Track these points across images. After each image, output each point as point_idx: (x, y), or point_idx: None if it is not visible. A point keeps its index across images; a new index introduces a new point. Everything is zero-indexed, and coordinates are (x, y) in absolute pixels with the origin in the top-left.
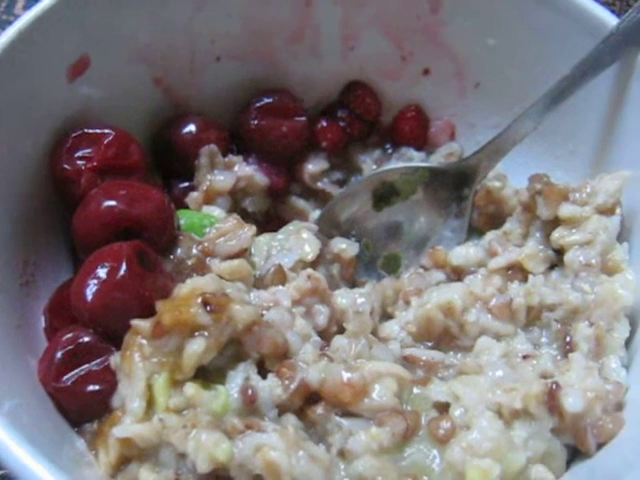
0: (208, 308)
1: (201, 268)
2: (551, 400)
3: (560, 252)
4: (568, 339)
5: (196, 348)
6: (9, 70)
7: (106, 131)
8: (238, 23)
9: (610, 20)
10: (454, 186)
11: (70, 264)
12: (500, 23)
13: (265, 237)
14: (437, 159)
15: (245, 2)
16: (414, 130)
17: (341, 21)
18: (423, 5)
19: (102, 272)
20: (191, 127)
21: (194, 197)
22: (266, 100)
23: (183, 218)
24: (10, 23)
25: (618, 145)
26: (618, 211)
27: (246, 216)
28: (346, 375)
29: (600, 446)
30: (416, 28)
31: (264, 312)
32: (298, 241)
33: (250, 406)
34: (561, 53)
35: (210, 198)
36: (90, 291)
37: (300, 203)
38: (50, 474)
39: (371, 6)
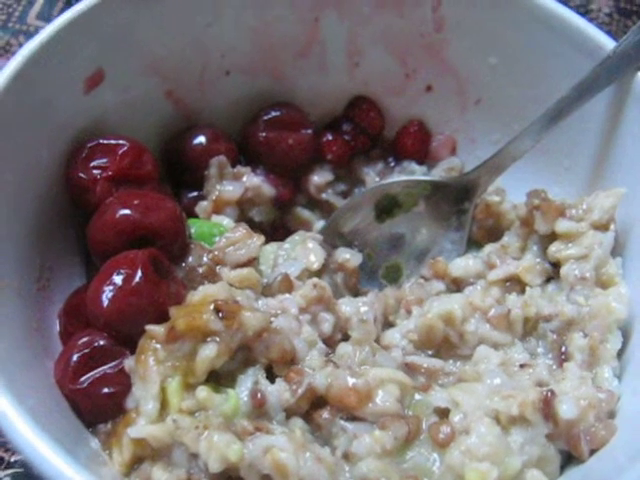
0: (220, 315)
1: (212, 276)
2: (546, 407)
3: (556, 265)
4: (563, 349)
5: (208, 353)
6: (28, 81)
7: (121, 142)
8: (248, 39)
9: (607, 43)
10: (455, 200)
11: (83, 270)
12: (501, 43)
13: (272, 246)
14: (438, 173)
15: (254, 18)
16: (416, 144)
17: (347, 38)
18: (427, 24)
19: (118, 278)
20: (201, 139)
21: (203, 206)
22: (273, 113)
23: (193, 227)
24: (24, 32)
25: (613, 163)
26: (612, 227)
27: (253, 226)
28: (351, 380)
29: (593, 452)
30: (420, 46)
31: (272, 319)
32: (304, 250)
33: (259, 409)
34: (560, 73)
35: (219, 208)
36: (106, 297)
37: (305, 213)
38: (73, 470)
39: (376, 24)
